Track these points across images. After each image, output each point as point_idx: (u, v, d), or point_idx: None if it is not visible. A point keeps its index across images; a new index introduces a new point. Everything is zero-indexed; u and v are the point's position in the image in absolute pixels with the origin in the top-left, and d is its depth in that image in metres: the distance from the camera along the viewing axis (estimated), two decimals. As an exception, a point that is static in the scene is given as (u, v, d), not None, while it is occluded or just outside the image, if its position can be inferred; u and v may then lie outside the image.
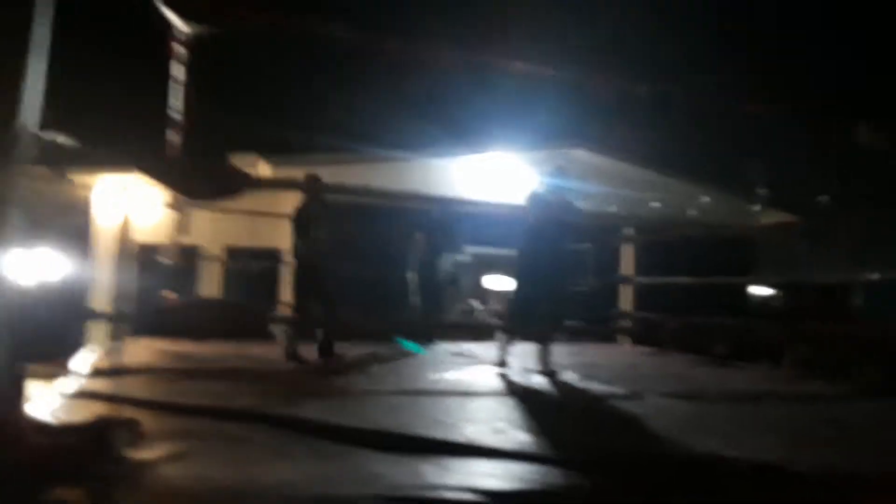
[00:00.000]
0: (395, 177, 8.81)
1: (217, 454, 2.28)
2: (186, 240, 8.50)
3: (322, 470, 2.12)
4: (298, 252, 5.29)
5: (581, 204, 5.55)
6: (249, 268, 9.80)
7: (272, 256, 10.10)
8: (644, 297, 8.10)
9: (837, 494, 2.03)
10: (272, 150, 10.06)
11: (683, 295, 7.75)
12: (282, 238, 10.04)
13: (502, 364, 4.83)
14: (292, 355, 5.07)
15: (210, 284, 9.83)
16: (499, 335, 5.08)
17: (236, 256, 10.06)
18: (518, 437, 2.65)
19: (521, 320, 4.96)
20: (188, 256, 8.99)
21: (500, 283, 11.32)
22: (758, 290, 13.65)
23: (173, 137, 2.89)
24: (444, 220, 6.67)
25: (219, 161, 3.74)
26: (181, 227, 7.07)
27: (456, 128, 13.73)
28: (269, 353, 5.37)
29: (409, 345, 6.33)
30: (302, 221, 5.27)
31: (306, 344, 5.24)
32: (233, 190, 2.78)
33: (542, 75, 3.08)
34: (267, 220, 9.56)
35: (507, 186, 8.73)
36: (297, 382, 4.28)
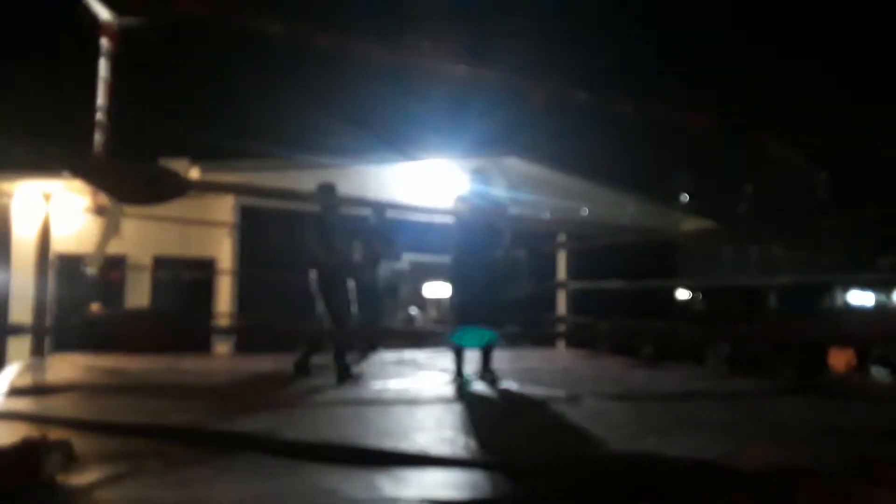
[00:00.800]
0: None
1: (155, 475, 2.20)
2: (113, 248, 8.09)
3: (269, 487, 2.07)
4: (318, 263, 4.97)
5: (512, 208, 5.60)
6: (181, 278, 9.43)
7: (205, 266, 9.77)
8: (577, 301, 8.36)
9: (776, 489, 2.14)
10: (202, 154, 9.75)
11: (613, 299, 8.06)
12: (215, 247, 9.76)
13: (459, 375, 4.67)
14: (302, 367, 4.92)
15: (138, 295, 9.40)
16: (449, 345, 4.93)
17: (166, 266, 9.66)
18: (467, 444, 2.68)
19: (459, 326, 4.95)
20: (115, 266, 8.57)
21: (439, 290, 11.38)
22: (682, 294, 14.33)
23: (100, 138, 2.77)
24: (381, 227, 6.62)
25: (153, 163, 3.59)
26: (107, 235, 6.73)
27: (390, 134, 13.74)
28: (204, 365, 5.19)
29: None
30: (319, 232, 4.97)
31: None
32: (169, 194, 2.67)
33: (475, 81, 3.11)
34: (199, 228, 9.26)
35: (442, 193, 8.80)
36: (237, 396, 4.16)
